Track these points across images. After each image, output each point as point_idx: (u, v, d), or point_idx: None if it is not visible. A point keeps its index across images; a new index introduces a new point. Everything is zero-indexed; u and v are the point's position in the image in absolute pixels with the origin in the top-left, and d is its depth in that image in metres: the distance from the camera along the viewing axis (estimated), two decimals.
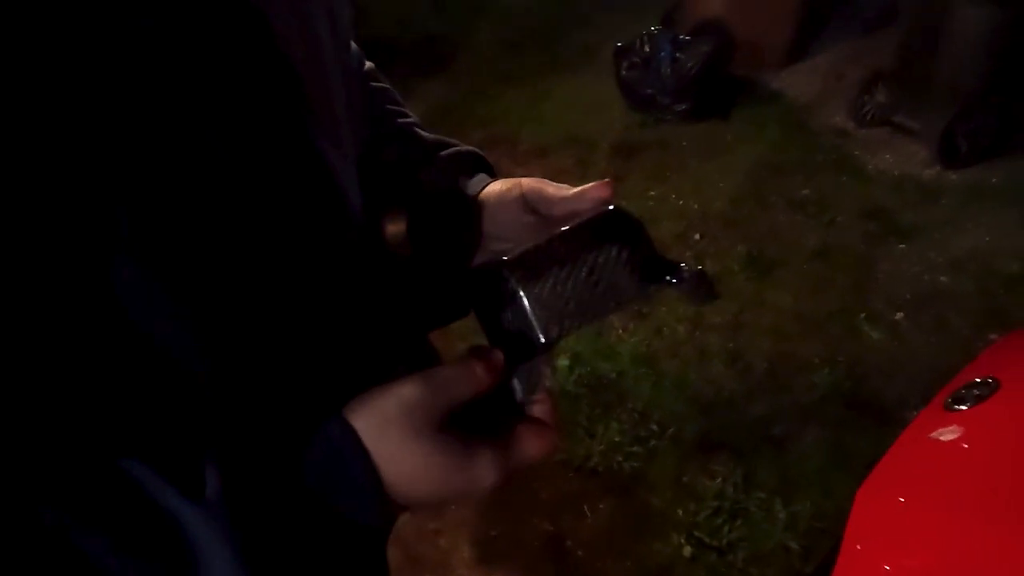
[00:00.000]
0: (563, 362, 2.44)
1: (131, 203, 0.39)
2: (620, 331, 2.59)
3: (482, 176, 0.68)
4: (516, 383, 0.50)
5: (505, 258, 0.50)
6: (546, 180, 0.62)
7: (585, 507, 2.08)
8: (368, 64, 0.74)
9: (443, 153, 0.69)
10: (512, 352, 0.49)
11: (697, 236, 3.00)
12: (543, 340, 0.49)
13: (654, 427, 2.26)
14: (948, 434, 1.35)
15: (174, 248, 0.41)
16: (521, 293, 0.48)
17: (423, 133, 0.71)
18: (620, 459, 2.18)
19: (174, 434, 0.43)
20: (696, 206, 3.18)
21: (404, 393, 0.45)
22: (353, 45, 0.67)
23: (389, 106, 0.73)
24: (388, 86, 0.75)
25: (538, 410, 0.51)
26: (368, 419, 0.45)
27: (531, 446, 0.49)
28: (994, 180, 3.27)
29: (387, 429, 0.45)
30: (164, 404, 0.43)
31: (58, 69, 0.36)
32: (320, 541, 0.44)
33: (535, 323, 0.48)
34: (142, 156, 0.39)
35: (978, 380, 1.42)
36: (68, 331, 0.38)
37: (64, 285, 0.38)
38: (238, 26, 0.43)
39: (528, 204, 0.62)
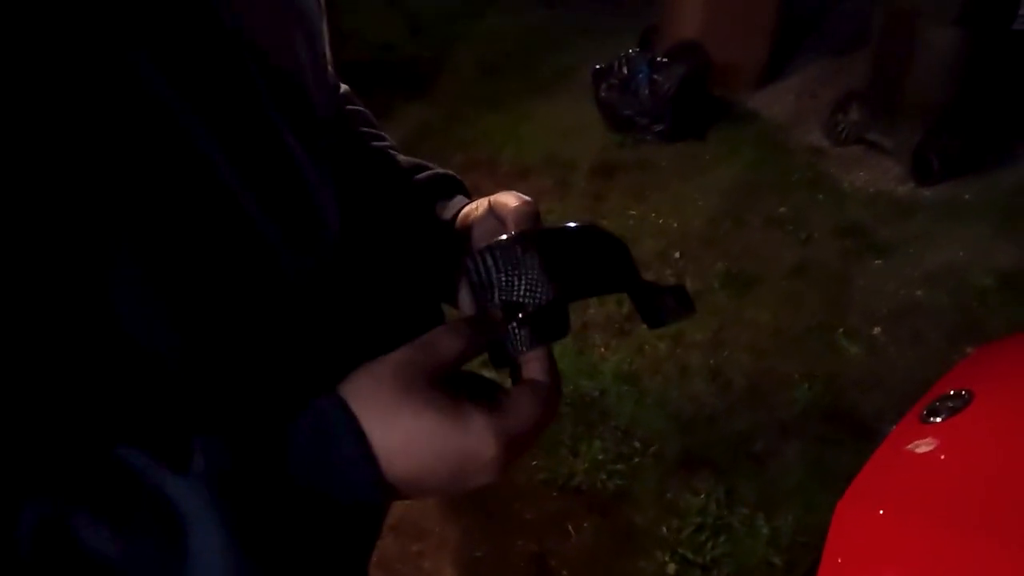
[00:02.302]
0: None
1: (126, 212, 0.40)
2: (602, 349, 2.60)
3: (459, 198, 0.69)
4: (517, 338, 0.49)
5: (511, 233, 0.52)
6: (512, 192, 0.63)
7: (569, 526, 2.08)
8: (344, 87, 0.75)
9: (419, 176, 0.70)
10: (518, 312, 0.49)
11: (677, 254, 3.03)
12: (554, 294, 0.49)
13: (637, 444, 2.27)
14: (924, 446, 1.37)
15: (162, 254, 0.41)
16: (535, 251, 0.49)
17: (399, 156, 0.72)
18: (603, 477, 2.18)
19: (157, 411, 0.43)
20: (675, 225, 3.22)
21: (394, 356, 0.45)
22: (329, 69, 0.69)
23: (364, 128, 0.74)
24: (363, 109, 0.76)
25: (534, 368, 0.49)
26: (358, 383, 0.44)
27: (528, 406, 0.46)
28: (967, 196, 3.33)
29: (378, 389, 0.44)
30: (148, 388, 0.43)
31: (57, 86, 0.37)
32: (310, 516, 0.43)
33: (546, 279, 0.49)
34: (132, 163, 0.40)
35: (952, 392, 1.44)
36: (59, 323, 0.39)
37: (59, 281, 0.38)
38: (221, 48, 0.44)
39: (495, 215, 0.63)
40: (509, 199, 0.60)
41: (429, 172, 0.70)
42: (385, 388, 0.44)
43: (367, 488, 0.43)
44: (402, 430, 0.43)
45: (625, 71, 3.77)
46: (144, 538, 0.38)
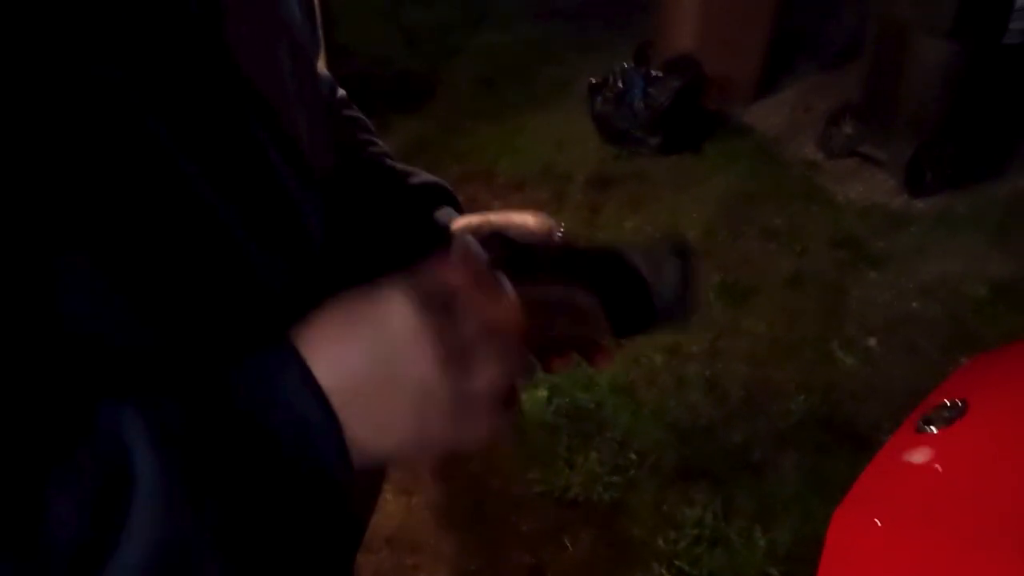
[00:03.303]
0: (542, 393, 2.45)
1: (91, 214, 0.39)
2: None
3: (448, 210, 0.69)
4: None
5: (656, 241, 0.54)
6: (511, 212, 0.63)
7: (565, 538, 2.07)
8: (340, 92, 0.75)
9: (412, 181, 0.70)
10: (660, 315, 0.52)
11: None
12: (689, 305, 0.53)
13: (633, 456, 2.26)
14: (920, 456, 1.37)
15: (133, 266, 0.41)
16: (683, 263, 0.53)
17: (392, 163, 0.73)
18: (600, 489, 2.18)
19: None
20: None
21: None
22: (325, 73, 0.69)
23: (360, 135, 0.74)
24: (360, 115, 0.76)
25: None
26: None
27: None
28: (959, 208, 3.35)
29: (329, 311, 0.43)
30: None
31: (30, 97, 0.37)
32: (254, 449, 0.40)
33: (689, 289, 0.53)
34: (102, 166, 0.40)
35: (947, 402, 1.45)
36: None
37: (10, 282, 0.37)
38: (203, 57, 0.45)
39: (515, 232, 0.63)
40: (527, 219, 0.61)
41: (422, 178, 0.71)
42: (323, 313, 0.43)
43: (304, 400, 0.41)
44: (327, 327, 0.42)
45: (620, 84, 3.79)
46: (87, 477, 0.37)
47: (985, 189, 3.42)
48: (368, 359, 0.41)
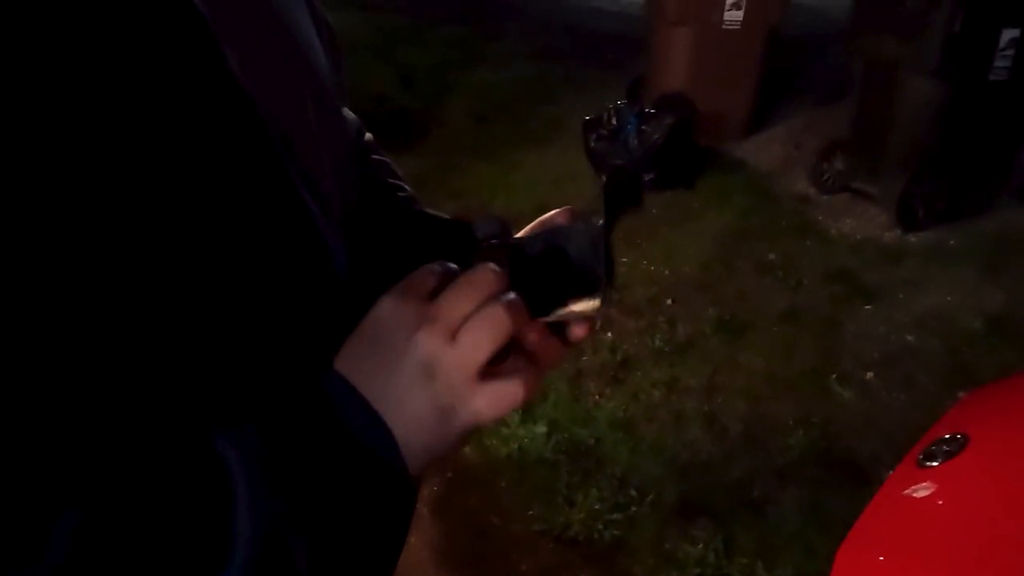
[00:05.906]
0: (540, 429, 2.44)
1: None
2: (596, 396, 2.60)
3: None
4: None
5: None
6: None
7: None
8: (368, 136, 0.77)
9: (438, 222, 0.72)
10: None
11: (669, 301, 3.04)
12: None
13: (633, 493, 2.25)
14: (922, 490, 1.37)
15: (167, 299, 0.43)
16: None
17: (420, 207, 0.74)
18: (600, 527, 2.16)
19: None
20: (667, 271, 3.24)
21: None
22: (353, 117, 0.71)
23: (390, 179, 0.76)
24: (388, 160, 0.78)
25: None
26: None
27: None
28: (952, 242, 3.39)
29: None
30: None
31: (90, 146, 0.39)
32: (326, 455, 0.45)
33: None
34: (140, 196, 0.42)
35: (947, 436, 1.45)
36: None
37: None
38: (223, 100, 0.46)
39: None
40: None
41: (445, 219, 0.73)
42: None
43: (347, 398, 0.46)
44: (354, 348, 0.49)
45: (614, 122, 3.84)
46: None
47: (976, 223, 3.46)
48: (380, 356, 0.47)
